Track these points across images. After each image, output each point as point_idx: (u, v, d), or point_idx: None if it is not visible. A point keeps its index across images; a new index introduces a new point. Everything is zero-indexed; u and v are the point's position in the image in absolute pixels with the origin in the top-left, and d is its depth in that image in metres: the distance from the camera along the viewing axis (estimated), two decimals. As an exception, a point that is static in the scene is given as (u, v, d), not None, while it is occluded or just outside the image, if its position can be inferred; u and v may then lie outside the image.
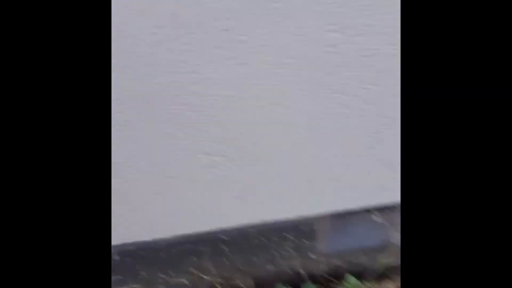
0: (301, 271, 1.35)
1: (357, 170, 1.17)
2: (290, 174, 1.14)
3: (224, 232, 1.23)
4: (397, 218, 1.30)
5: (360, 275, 1.34)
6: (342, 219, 1.30)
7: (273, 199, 1.16)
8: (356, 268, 1.34)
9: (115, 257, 1.26)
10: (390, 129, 1.06)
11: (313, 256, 1.32)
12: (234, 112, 0.98)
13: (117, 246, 1.25)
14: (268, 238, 1.26)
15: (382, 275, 1.34)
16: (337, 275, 1.36)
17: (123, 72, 0.90)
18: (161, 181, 1.13)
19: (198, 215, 1.19)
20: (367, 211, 1.28)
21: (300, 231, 1.26)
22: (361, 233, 1.31)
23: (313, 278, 1.37)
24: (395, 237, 1.29)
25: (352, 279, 1.32)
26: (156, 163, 1.09)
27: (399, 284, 1.33)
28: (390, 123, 1.05)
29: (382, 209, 1.28)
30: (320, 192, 1.20)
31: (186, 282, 1.38)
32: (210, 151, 1.04)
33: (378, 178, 1.20)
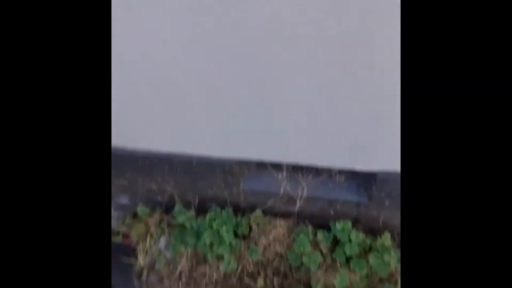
0: (227, 199, 1.97)
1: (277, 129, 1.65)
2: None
3: (176, 156, 1.87)
4: (294, 175, 1.84)
5: (264, 210, 1.92)
6: (255, 167, 1.89)
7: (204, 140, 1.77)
8: (263, 206, 1.92)
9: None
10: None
11: (235, 190, 1.92)
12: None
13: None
14: (204, 168, 1.88)
15: (276, 214, 1.91)
16: (251, 208, 1.95)
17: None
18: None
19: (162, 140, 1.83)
20: (274, 166, 1.85)
21: (225, 170, 1.86)
22: (268, 181, 1.88)
23: (237, 207, 1.98)
24: (289, 189, 1.83)
25: (258, 213, 1.91)
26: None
27: (289, 223, 1.88)
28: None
29: (281, 166, 1.84)
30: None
31: (154, 188, 2.07)
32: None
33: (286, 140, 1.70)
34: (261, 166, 1.87)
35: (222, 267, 1.80)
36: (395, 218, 1.76)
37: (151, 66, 1.45)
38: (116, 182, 2.09)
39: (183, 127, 1.70)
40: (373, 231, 1.79)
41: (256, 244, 1.81)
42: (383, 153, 1.52)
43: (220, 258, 1.85)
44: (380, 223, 1.79)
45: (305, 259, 1.69)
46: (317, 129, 1.48)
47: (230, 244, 1.82)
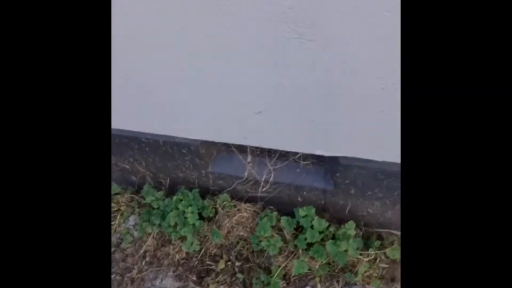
0: (196, 182, 1.95)
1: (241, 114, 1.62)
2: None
3: (144, 134, 1.85)
4: (262, 159, 1.80)
5: (231, 194, 1.88)
6: (223, 150, 1.85)
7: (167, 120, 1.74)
8: (231, 189, 1.88)
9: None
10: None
11: (204, 172, 1.89)
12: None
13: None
14: (171, 148, 1.85)
15: (242, 198, 1.87)
16: (219, 190, 1.92)
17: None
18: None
19: (128, 118, 1.81)
20: (241, 149, 1.80)
21: (192, 151, 1.83)
22: (236, 165, 1.84)
23: (205, 189, 1.95)
24: (255, 173, 1.79)
25: (225, 196, 1.87)
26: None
27: (254, 207, 1.84)
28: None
29: (252, 151, 1.79)
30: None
31: (127, 167, 2.06)
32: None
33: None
34: (230, 149, 1.83)
35: (184, 248, 1.78)
36: (363, 208, 1.70)
37: (120, 43, 1.41)
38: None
39: (149, 107, 1.67)
40: (341, 221, 1.73)
41: (220, 227, 1.78)
42: (345, 138, 1.46)
43: (183, 239, 1.82)
44: (347, 212, 1.73)
45: (264, 244, 1.65)
46: (278, 112, 1.43)
47: (194, 226, 1.79)
